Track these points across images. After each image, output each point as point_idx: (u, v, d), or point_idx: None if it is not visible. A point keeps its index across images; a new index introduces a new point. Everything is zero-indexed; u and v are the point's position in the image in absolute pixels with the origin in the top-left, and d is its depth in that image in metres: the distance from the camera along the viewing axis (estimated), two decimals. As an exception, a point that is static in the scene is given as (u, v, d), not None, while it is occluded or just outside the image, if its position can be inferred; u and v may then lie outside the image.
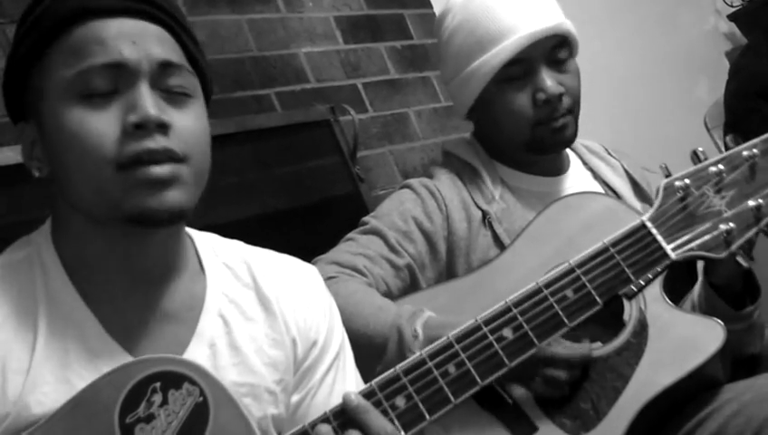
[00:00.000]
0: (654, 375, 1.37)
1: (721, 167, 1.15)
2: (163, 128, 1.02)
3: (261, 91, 2.39)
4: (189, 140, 1.05)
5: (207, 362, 1.09)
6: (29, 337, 1.03)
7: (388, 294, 1.56)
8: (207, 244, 1.20)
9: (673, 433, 1.41)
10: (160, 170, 1.01)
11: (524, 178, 1.75)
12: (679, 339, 1.40)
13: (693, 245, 1.13)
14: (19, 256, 1.10)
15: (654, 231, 1.13)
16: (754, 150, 1.17)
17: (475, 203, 1.68)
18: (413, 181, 1.74)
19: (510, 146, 1.72)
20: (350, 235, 1.67)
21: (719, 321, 1.38)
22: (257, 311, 1.17)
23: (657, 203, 1.14)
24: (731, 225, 1.13)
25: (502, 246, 1.60)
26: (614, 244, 1.11)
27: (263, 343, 1.15)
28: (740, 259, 1.38)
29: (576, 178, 1.79)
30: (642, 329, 1.43)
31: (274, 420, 1.13)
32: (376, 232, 1.63)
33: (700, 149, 1.19)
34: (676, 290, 1.52)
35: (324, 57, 2.60)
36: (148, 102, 1.01)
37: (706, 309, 1.49)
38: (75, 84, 1.02)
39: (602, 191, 1.75)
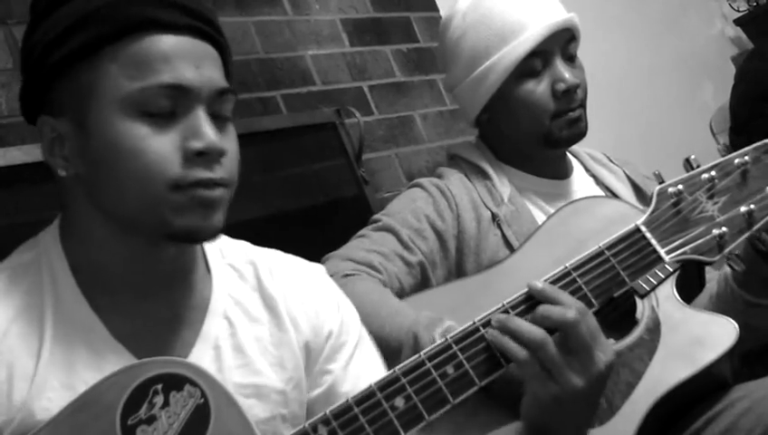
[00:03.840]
0: (667, 371, 1.38)
1: (713, 173, 1.17)
2: (221, 156, 1.05)
3: (267, 93, 2.40)
4: (232, 165, 1.08)
5: (212, 363, 1.09)
6: (35, 342, 1.03)
7: (401, 292, 1.56)
8: (214, 245, 1.20)
9: (683, 431, 1.41)
10: (213, 194, 1.04)
11: (532, 180, 1.76)
12: (692, 336, 1.41)
13: (686, 248, 1.15)
14: (26, 259, 1.10)
15: (648, 235, 1.14)
16: (746, 158, 1.19)
17: (485, 204, 1.69)
18: (423, 180, 1.75)
19: (526, 141, 1.74)
20: (362, 231, 1.68)
21: (732, 320, 1.39)
22: (262, 312, 1.17)
23: (651, 208, 1.16)
24: (723, 229, 1.15)
25: (511, 248, 1.62)
26: (609, 247, 1.12)
27: (268, 344, 1.15)
28: (732, 264, 1.39)
29: (580, 183, 1.80)
30: (655, 326, 1.44)
31: (285, 419, 1.14)
32: (389, 229, 1.64)
33: (692, 156, 1.20)
34: (685, 295, 1.53)
35: (330, 59, 2.60)
36: (210, 130, 1.04)
37: (743, 280, 1.50)
38: (137, 99, 1.02)
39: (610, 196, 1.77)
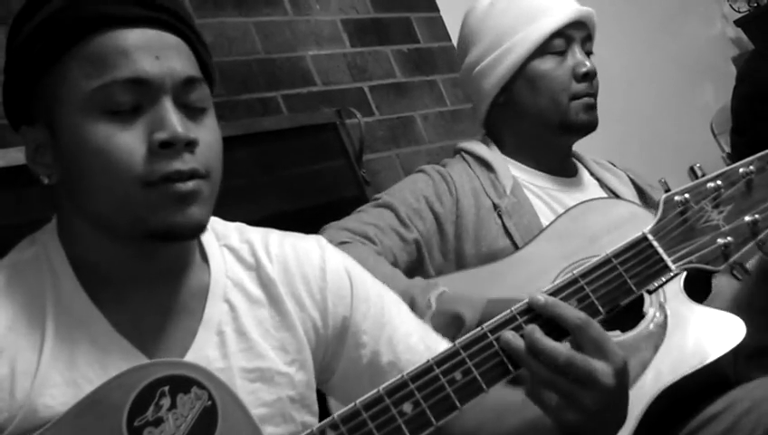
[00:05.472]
0: (672, 364, 1.40)
1: (719, 182, 1.17)
2: (190, 145, 1.02)
3: (267, 93, 2.40)
4: (210, 155, 1.05)
5: (217, 350, 1.09)
6: (37, 339, 1.02)
7: (395, 266, 1.59)
8: (209, 228, 1.18)
9: (683, 429, 1.42)
10: (186, 187, 1.01)
11: (536, 175, 1.80)
12: (699, 332, 1.44)
13: (692, 257, 1.15)
14: (26, 256, 1.09)
15: (655, 244, 1.14)
16: (751, 167, 1.19)
17: (487, 194, 1.72)
18: (426, 167, 1.81)
19: (543, 122, 1.77)
20: (361, 207, 1.73)
21: (738, 318, 1.41)
22: (260, 293, 1.16)
23: (657, 216, 1.16)
24: (729, 238, 1.15)
25: (511, 238, 1.65)
26: (616, 255, 1.12)
27: (269, 327, 1.14)
28: (735, 273, 1.41)
29: (585, 184, 1.83)
30: (662, 320, 1.47)
31: (294, 401, 1.13)
32: (387, 206, 1.69)
33: (697, 164, 1.21)
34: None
35: (331, 60, 2.60)
36: (175, 120, 1.01)
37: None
38: (97, 98, 1.00)
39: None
